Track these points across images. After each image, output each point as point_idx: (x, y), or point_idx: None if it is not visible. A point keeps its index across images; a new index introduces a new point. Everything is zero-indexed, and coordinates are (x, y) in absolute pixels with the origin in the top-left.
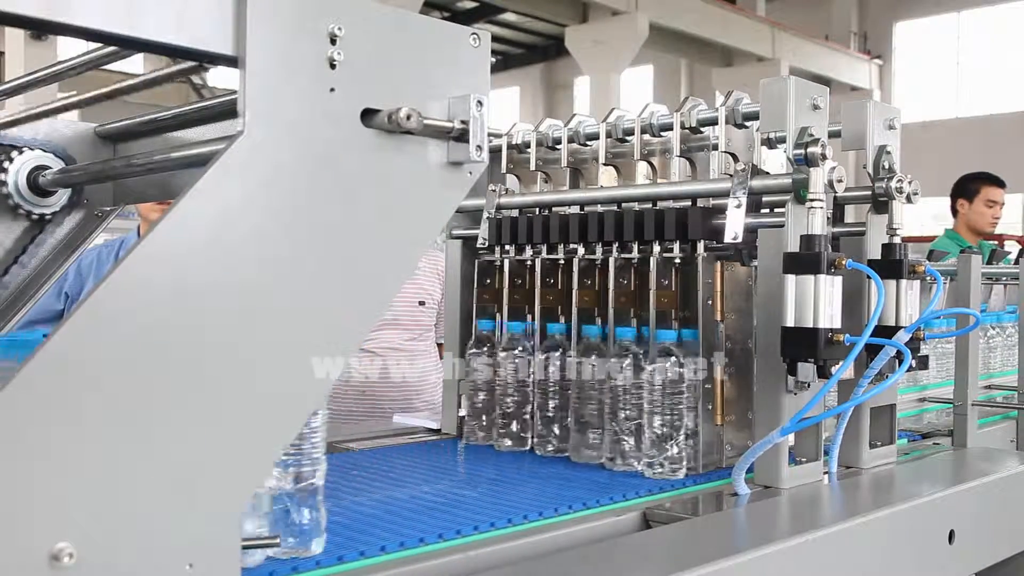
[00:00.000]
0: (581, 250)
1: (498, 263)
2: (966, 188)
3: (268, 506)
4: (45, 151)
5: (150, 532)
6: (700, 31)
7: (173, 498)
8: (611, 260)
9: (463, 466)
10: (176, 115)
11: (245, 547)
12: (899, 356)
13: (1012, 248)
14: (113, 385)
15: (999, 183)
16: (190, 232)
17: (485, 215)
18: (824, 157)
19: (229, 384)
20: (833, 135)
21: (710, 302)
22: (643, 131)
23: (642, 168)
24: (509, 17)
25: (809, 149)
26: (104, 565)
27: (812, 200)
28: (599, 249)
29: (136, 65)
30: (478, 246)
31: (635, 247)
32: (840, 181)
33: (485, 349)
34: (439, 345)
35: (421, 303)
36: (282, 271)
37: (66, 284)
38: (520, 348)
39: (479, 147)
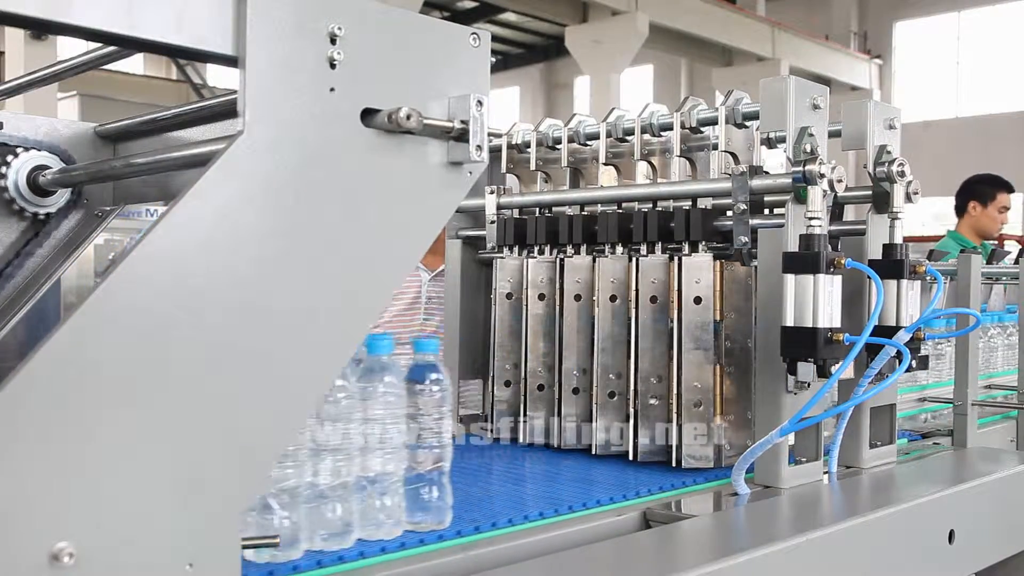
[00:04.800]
0: (581, 249)
1: (498, 263)
2: (981, 191)
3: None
4: (45, 151)
5: (150, 532)
6: (700, 31)
7: (173, 498)
8: (611, 260)
9: (462, 465)
10: (176, 115)
11: (245, 547)
12: (899, 356)
13: (1012, 248)
14: (113, 385)
15: (1011, 188)
16: (190, 232)
17: (489, 220)
18: (822, 176)
19: (228, 384)
20: (833, 135)
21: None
22: (643, 131)
23: (642, 168)
24: (509, 17)
25: (807, 167)
26: (104, 565)
27: (811, 218)
28: (605, 248)
29: (136, 65)
30: (481, 254)
31: (642, 247)
32: (840, 181)
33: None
34: None
35: None
36: (282, 271)
37: None
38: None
39: (479, 147)
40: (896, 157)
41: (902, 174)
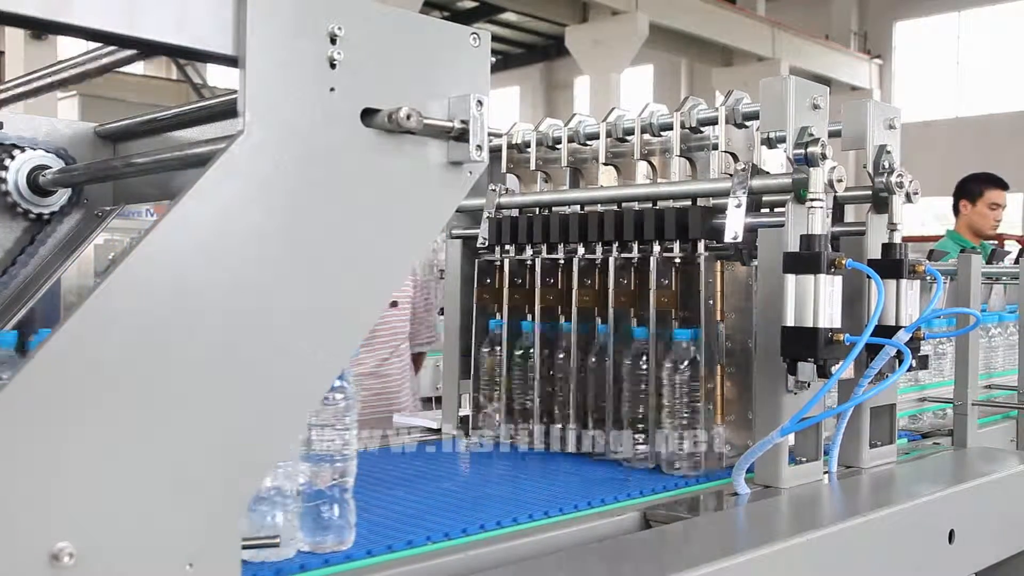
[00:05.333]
0: (581, 250)
1: (498, 263)
2: (970, 189)
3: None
4: (45, 151)
5: (150, 532)
6: (700, 31)
7: (173, 498)
8: (611, 260)
9: (463, 466)
10: (176, 115)
11: (245, 547)
12: (899, 356)
13: (1012, 248)
14: (113, 385)
15: (1003, 185)
16: (190, 232)
17: (485, 215)
18: (824, 157)
19: (228, 384)
20: (833, 135)
21: (711, 302)
22: (643, 131)
23: (642, 168)
24: (509, 17)
25: (809, 149)
26: (104, 565)
27: (812, 200)
28: (599, 249)
29: (136, 65)
30: (478, 246)
31: (635, 247)
32: (840, 181)
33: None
34: (415, 357)
35: (393, 304)
36: (282, 271)
37: None
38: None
39: (479, 147)
40: (895, 168)
41: (901, 184)
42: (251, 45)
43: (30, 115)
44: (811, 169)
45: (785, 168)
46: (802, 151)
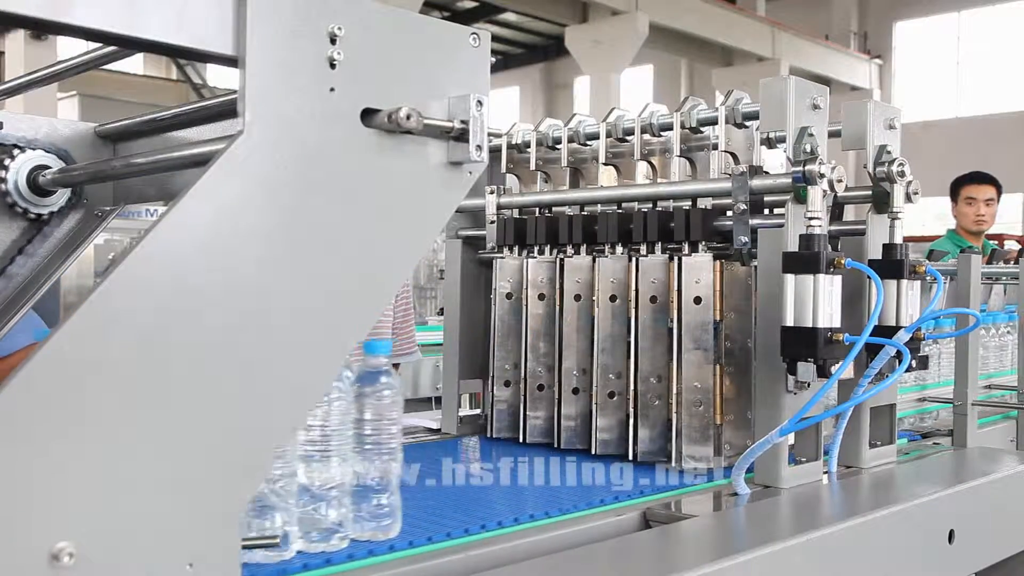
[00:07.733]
0: (581, 250)
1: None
2: (951, 191)
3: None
4: (45, 151)
5: (150, 532)
6: (700, 31)
7: (173, 498)
8: (612, 260)
9: (463, 466)
10: (176, 115)
11: (245, 547)
12: (899, 356)
13: (1012, 248)
14: (113, 385)
15: (977, 179)
16: (190, 232)
17: (489, 220)
18: (822, 176)
19: (228, 384)
20: (833, 135)
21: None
22: (643, 131)
23: (642, 168)
24: (509, 17)
25: (807, 167)
26: (104, 565)
27: (811, 217)
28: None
29: (136, 65)
30: (481, 254)
31: (642, 247)
32: (840, 181)
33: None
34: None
35: None
36: (281, 271)
37: None
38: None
39: (479, 147)
40: (896, 157)
41: (902, 174)
42: (251, 45)
43: (30, 115)
44: (810, 188)
45: (785, 168)
46: (800, 169)
